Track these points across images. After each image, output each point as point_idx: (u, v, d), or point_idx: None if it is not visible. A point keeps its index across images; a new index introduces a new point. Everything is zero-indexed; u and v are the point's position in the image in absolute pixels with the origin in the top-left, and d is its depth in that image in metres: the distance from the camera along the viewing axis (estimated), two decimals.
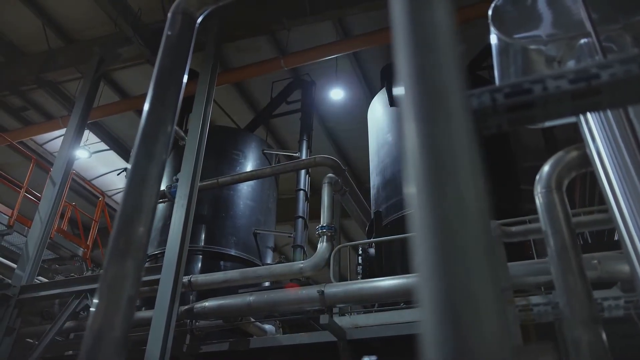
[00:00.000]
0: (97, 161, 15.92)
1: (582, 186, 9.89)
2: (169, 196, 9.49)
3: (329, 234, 7.68)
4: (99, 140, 14.97)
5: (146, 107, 1.52)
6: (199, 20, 1.69)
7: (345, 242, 11.17)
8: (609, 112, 1.89)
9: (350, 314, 7.35)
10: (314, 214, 10.71)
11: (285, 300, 6.68)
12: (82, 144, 11.59)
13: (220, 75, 10.18)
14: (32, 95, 13.65)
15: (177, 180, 9.49)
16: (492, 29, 2.33)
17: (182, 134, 10.75)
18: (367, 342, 6.48)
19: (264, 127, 13.71)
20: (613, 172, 1.81)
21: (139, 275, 1.22)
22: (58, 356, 8.54)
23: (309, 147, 11.58)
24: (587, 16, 2.13)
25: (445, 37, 0.56)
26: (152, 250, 9.54)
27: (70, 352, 8.83)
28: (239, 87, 13.32)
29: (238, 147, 10.86)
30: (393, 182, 8.72)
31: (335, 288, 6.48)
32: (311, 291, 6.52)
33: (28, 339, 8.52)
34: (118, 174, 13.77)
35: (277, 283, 8.18)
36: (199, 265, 9.26)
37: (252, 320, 7.41)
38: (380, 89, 10.49)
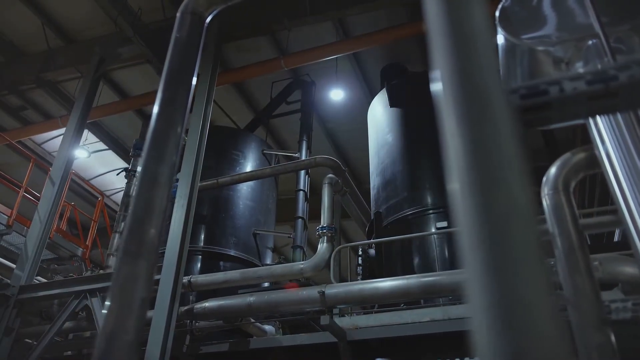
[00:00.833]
0: (95, 161, 15.89)
1: (582, 188, 9.91)
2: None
3: (329, 234, 7.67)
4: (98, 140, 14.94)
5: (156, 108, 1.51)
6: (208, 20, 1.67)
7: (344, 243, 11.16)
8: (618, 114, 1.89)
9: (351, 315, 7.34)
10: (313, 215, 10.71)
11: (285, 300, 6.67)
12: (80, 143, 11.55)
13: (220, 75, 10.17)
14: (31, 95, 13.62)
15: (177, 180, 9.48)
16: (499, 29, 2.32)
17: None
18: (368, 342, 6.47)
19: (264, 128, 13.70)
20: (623, 174, 1.80)
21: (151, 277, 1.21)
22: (57, 356, 8.51)
23: (308, 148, 11.57)
24: (596, 17, 2.12)
25: (484, 37, 0.55)
26: None
27: (69, 353, 8.81)
28: (238, 87, 13.30)
29: (238, 147, 10.85)
30: (393, 183, 8.71)
31: (336, 289, 6.47)
32: (312, 292, 6.51)
33: (27, 339, 8.49)
34: (117, 174, 13.72)
35: (277, 284, 8.17)
36: (199, 265, 9.25)
37: (252, 320, 7.39)
38: (381, 90, 10.49)
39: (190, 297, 8.36)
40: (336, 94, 13.06)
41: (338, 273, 7.49)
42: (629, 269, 5.24)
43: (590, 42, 2.13)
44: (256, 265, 9.41)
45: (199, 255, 9.32)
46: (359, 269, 8.43)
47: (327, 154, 10.40)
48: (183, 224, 7.31)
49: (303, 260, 9.52)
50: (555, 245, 2.09)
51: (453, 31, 0.53)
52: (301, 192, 10.69)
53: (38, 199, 10.00)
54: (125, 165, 14.50)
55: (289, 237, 10.48)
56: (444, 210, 7.96)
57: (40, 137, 14.80)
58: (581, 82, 1.16)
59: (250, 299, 6.79)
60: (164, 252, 9.27)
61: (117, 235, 9.62)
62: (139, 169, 9.60)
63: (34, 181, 10.20)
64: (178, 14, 1.68)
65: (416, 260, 7.74)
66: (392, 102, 9.44)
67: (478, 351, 0.53)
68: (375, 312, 7.05)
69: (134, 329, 1.11)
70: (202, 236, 9.53)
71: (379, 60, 12.39)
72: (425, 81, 9.88)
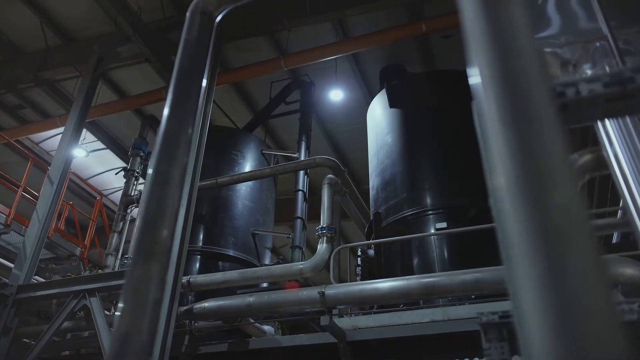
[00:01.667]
0: (93, 160, 15.85)
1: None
2: None
3: (329, 234, 7.66)
4: (96, 139, 14.90)
5: (167, 108, 1.49)
6: (218, 19, 1.66)
7: (343, 243, 11.17)
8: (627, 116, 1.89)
9: (350, 316, 7.33)
10: (311, 215, 10.70)
11: (285, 301, 6.65)
12: (79, 142, 11.51)
13: (219, 75, 10.16)
14: (29, 94, 13.58)
15: None
16: None
17: None
18: (368, 343, 6.47)
19: (262, 128, 13.68)
20: (631, 176, 1.80)
21: (164, 278, 1.20)
22: (55, 356, 8.48)
23: (307, 148, 11.56)
24: (604, 19, 2.12)
25: (525, 38, 0.55)
26: None
27: (67, 353, 8.78)
28: (237, 87, 13.29)
29: (237, 147, 10.84)
30: (393, 184, 8.71)
31: (336, 289, 6.46)
32: (312, 292, 6.50)
33: (25, 339, 8.45)
34: (116, 174, 13.69)
35: (275, 284, 8.16)
36: (197, 265, 9.24)
37: (252, 321, 7.38)
38: (380, 90, 10.49)
39: (189, 297, 8.34)
40: (335, 95, 13.06)
41: (338, 274, 7.48)
42: (629, 271, 5.25)
43: (598, 44, 2.13)
44: (255, 266, 9.40)
45: (198, 255, 9.30)
46: (358, 269, 8.43)
47: (325, 155, 10.39)
48: (182, 224, 7.26)
49: (302, 261, 9.53)
50: None
51: (493, 31, 0.53)
52: (300, 193, 10.68)
53: (35, 197, 9.97)
54: (123, 164, 14.47)
55: (287, 237, 10.47)
56: (443, 211, 7.96)
57: (38, 136, 14.76)
58: (598, 84, 1.15)
59: (250, 299, 6.78)
60: None
61: (115, 235, 9.60)
62: (147, 168, 9.47)
63: (31, 180, 10.16)
64: (188, 14, 1.67)
65: (416, 261, 7.74)
66: (392, 102, 9.44)
67: (529, 354, 0.53)
68: (375, 312, 7.05)
69: (148, 330, 1.10)
70: (201, 236, 9.52)
71: (378, 61, 12.40)
72: (425, 82, 9.90)
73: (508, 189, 0.47)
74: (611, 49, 2.06)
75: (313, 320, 7.05)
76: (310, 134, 11.95)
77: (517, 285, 0.52)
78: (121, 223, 9.86)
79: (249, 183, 10.25)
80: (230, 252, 9.53)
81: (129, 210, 10.24)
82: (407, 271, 7.36)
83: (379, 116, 9.77)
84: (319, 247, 7.53)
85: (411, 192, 8.38)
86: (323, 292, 6.38)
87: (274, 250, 11.92)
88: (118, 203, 13.59)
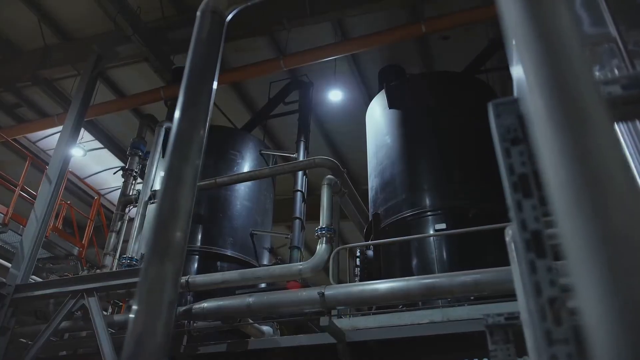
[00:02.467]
0: (90, 160, 15.80)
1: None
2: None
3: (329, 235, 7.65)
4: (93, 139, 14.86)
5: (179, 108, 1.49)
6: (229, 18, 1.66)
7: (340, 244, 11.16)
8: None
9: (349, 316, 7.33)
10: (308, 216, 10.69)
11: (285, 301, 6.65)
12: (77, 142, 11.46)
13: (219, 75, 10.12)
14: (26, 93, 13.53)
15: None
16: None
17: None
18: (367, 344, 6.47)
19: (261, 128, 13.66)
20: None
21: (178, 279, 1.19)
22: (52, 356, 8.45)
23: (306, 149, 11.55)
24: (612, 22, 2.12)
25: (573, 41, 0.54)
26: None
27: (65, 353, 8.75)
28: (236, 87, 13.27)
29: (236, 147, 10.82)
30: (392, 184, 8.71)
31: (336, 290, 6.46)
32: (311, 293, 6.49)
33: (21, 339, 8.41)
34: (114, 173, 13.65)
35: (273, 285, 8.14)
36: (196, 265, 9.21)
37: (251, 321, 7.37)
38: (378, 91, 10.49)
39: (188, 297, 8.33)
40: (334, 95, 13.06)
41: (337, 274, 7.47)
42: None
43: (606, 46, 2.13)
44: (253, 266, 9.39)
45: (196, 255, 9.28)
46: (357, 270, 8.43)
47: (323, 155, 10.39)
48: None
49: (300, 261, 9.51)
50: None
51: (539, 31, 0.52)
52: (299, 193, 10.66)
53: (32, 196, 9.93)
54: (120, 164, 14.43)
55: (286, 237, 10.45)
56: (442, 212, 7.97)
57: (35, 134, 14.70)
58: (616, 87, 1.15)
59: (250, 299, 6.77)
60: None
61: (113, 235, 9.57)
62: (146, 168, 9.35)
63: (27, 178, 10.12)
64: (198, 13, 1.66)
65: (415, 262, 7.73)
66: (391, 103, 9.44)
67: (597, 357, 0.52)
68: (374, 313, 7.04)
69: (162, 331, 1.09)
70: (200, 236, 9.49)
71: (376, 61, 12.41)
72: (425, 83, 9.89)
73: (562, 193, 0.46)
74: (620, 51, 2.06)
75: (312, 321, 7.04)
76: (309, 134, 11.93)
77: (583, 299, 0.52)
78: (119, 223, 9.83)
79: (248, 183, 10.23)
80: (229, 252, 9.51)
81: (127, 210, 10.21)
82: (406, 272, 7.36)
83: (378, 117, 9.77)
84: (318, 247, 7.52)
85: (410, 193, 8.38)
86: (323, 293, 6.37)
87: (271, 251, 11.91)
88: (114, 202, 13.56)
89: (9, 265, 8.39)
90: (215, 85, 1.59)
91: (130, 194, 10.38)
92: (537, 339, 0.92)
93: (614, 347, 0.50)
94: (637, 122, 1.92)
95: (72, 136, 9.75)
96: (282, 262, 10.45)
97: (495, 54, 11.14)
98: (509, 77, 12.41)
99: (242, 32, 10.87)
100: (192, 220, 6.07)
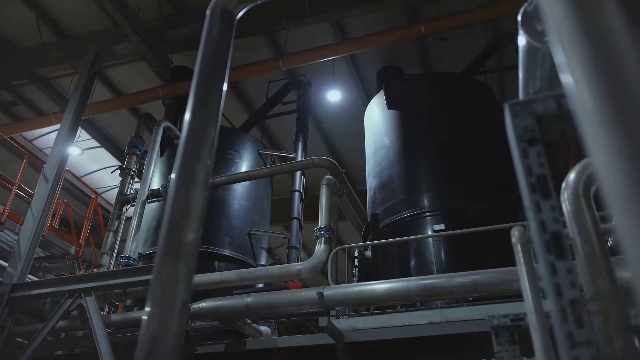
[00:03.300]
0: (86, 158, 15.73)
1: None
2: (164, 195, 9.40)
3: (327, 235, 7.63)
4: (90, 138, 14.79)
5: (190, 107, 1.47)
6: (239, 16, 1.65)
7: (337, 245, 11.15)
8: None
9: (348, 317, 7.32)
10: (306, 216, 10.67)
11: (284, 301, 6.63)
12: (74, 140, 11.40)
13: None
14: (23, 91, 13.46)
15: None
16: (521, 32, 2.32)
17: (177, 132, 10.67)
18: (365, 344, 6.46)
19: (259, 128, 13.64)
20: None
21: (191, 279, 1.18)
22: (49, 356, 8.41)
23: (304, 149, 11.54)
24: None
25: (625, 39, 0.53)
26: (145, 250, 9.44)
27: (61, 352, 8.71)
28: (234, 87, 13.25)
29: (234, 147, 10.79)
30: (390, 185, 8.71)
31: (335, 290, 6.45)
32: (310, 293, 6.48)
33: (18, 339, 8.37)
34: (112, 172, 13.60)
35: (270, 285, 8.12)
36: None
37: (249, 321, 7.35)
38: (377, 92, 10.49)
39: None
40: (332, 95, 13.05)
41: (335, 275, 7.46)
42: (627, 274, 5.28)
43: None
44: (251, 266, 9.36)
45: None
46: (355, 270, 8.42)
47: (321, 155, 10.39)
48: None
49: (298, 262, 9.50)
50: (577, 249, 2.10)
51: (588, 34, 0.52)
52: (297, 193, 10.65)
53: (28, 195, 9.88)
54: (117, 163, 14.38)
55: (284, 237, 10.43)
56: (440, 212, 7.97)
57: (31, 133, 14.62)
58: None
59: (248, 299, 6.75)
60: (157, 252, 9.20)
61: (111, 234, 9.53)
62: (144, 167, 9.27)
63: (23, 177, 10.06)
64: (208, 11, 1.65)
65: (413, 263, 7.73)
66: (390, 104, 9.44)
67: None
68: (372, 314, 7.04)
69: (176, 332, 1.08)
70: None
71: (375, 62, 12.41)
72: (423, 84, 9.90)
73: (619, 193, 0.46)
74: None
75: (310, 321, 7.03)
76: (307, 134, 11.91)
77: None
78: (116, 222, 9.78)
79: (246, 183, 10.20)
80: (227, 252, 9.48)
81: (124, 209, 10.17)
82: (405, 273, 7.36)
83: (377, 117, 9.77)
84: (317, 247, 7.50)
85: (409, 194, 8.38)
86: (322, 293, 6.36)
87: (269, 251, 11.90)
88: (110, 201, 13.49)
89: (6, 264, 8.33)
90: (225, 84, 1.58)
91: (128, 193, 10.33)
92: (558, 341, 0.91)
93: None
94: None
95: (69, 135, 9.71)
96: (280, 262, 10.44)
97: (494, 55, 11.16)
98: (507, 79, 12.43)
99: (242, 32, 10.84)
100: None
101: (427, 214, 8.06)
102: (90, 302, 7.20)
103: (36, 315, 8.80)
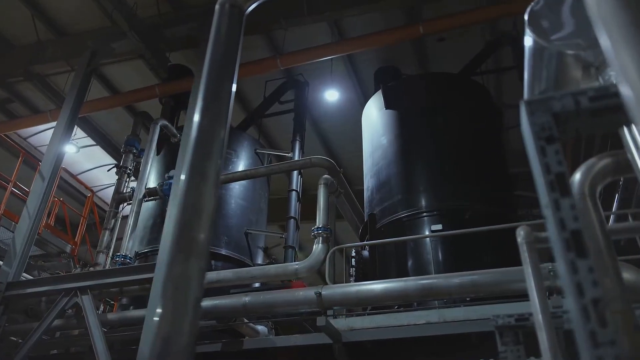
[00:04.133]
0: (82, 156, 15.66)
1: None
2: (161, 194, 9.36)
3: (325, 235, 7.61)
4: (86, 136, 14.72)
5: (199, 104, 1.45)
6: (248, 11, 1.63)
7: (335, 244, 11.13)
8: None
9: (345, 317, 7.31)
10: (302, 216, 10.65)
11: (281, 301, 6.61)
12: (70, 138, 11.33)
13: None
14: (18, 88, 13.37)
15: (169, 177, 9.37)
16: (528, 32, 2.31)
17: (174, 131, 10.63)
18: (363, 344, 6.46)
19: (256, 127, 13.60)
20: None
21: (203, 277, 1.17)
22: (44, 355, 8.36)
23: (301, 148, 11.52)
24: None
25: None
26: (141, 249, 9.40)
27: (56, 351, 8.66)
28: None
29: (231, 146, 10.75)
30: (388, 185, 8.70)
31: (333, 290, 6.44)
32: (308, 293, 6.46)
33: (12, 337, 8.31)
34: (108, 170, 13.52)
35: (266, 284, 8.09)
36: None
37: (246, 321, 7.32)
38: (375, 92, 10.48)
39: None
40: (330, 95, 13.04)
41: (333, 274, 7.45)
42: (626, 275, 5.30)
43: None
44: (248, 265, 9.34)
45: None
46: (352, 270, 8.41)
47: (318, 155, 10.37)
48: None
49: (295, 261, 9.48)
50: None
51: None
52: (294, 192, 10.62)
53: (24, 193, 9.82)
54: (113, 161, 14.32)
55: (281, 237, 10.41)
56: (438, 213, 7.97)
57: (25, 131, 14.53)
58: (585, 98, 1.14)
59: (246, 299, 6.72)
60: (154, 250, 9.17)
61: (107, 233, 9.48)
62: (144, 165, 9.23)
63: (18, 175, 9.99)
64: (217, 6, 1.63)
65: (410, 263, 7.73)
66: (388, 104, 9.43)
67: None
68: (369, 313, 7.03)
69: (189, 330, 1.06)
70: None
71: (372, 62, 12.41)
72: (421, 84, 9.91)
73: None
74: None
75: (307, 321, 7.01)
76: (304, 134, 11.90)
77: None
78: (113, 220, 9.73)
79: (243, 182, 10.18)
80: (223, 251, 9.45)
81: (120, 208, 10.12)
82: (402, 273, 7.36)
83: (375, 117, 9.76)
84: (314, 247, 7.48)
85: (406, 194, 8.38)
86: (320, 293, 6.35)
87: (265, 250, 11.87)
88: (106, 200, 13.42)
89: (1, 262, 8.28)
90: (235, 81, 1.56)
91: (124, 191, 10.28)
92: (580, 340, 0.90)
93: None
94: None
95: (65, 133, 9.65)
96: (276, 261, 10.41)
97: (491, 56, 11.18)
98: (504, 80, 12.46)
99: None
100: None
101: (425, 214, 8.06)
102: (86, 301, 7.16)
103: (31, 314, 8.73)
